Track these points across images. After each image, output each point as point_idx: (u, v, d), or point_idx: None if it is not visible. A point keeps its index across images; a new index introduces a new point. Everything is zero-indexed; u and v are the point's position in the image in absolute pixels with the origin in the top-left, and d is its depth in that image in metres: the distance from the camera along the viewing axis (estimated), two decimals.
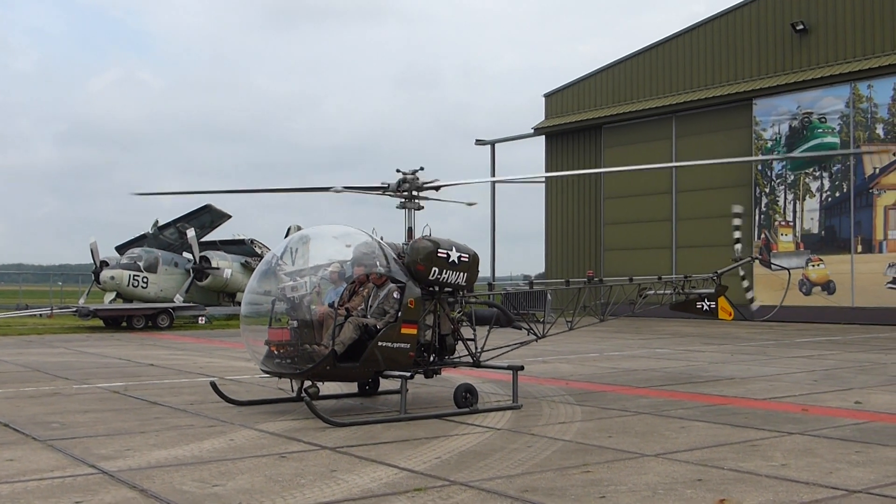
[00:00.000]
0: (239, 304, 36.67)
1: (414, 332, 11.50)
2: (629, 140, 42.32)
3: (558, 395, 13.17)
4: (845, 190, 34.75)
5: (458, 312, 12.42)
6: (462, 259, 12.03)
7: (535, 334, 14.09)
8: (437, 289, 11.92)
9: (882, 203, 33.69)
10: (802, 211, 36.10)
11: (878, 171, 33.85)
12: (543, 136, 46.91)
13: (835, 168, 35.10)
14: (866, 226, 34.10)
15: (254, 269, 37.91)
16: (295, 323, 11.25)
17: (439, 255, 11.78)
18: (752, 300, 17.93)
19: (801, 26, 35.92)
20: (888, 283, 33.23)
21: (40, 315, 38.38)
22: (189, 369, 17.50)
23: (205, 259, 35.34)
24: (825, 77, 35.07)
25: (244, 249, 37.36)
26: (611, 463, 8.23)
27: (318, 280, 11.89)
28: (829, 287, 34.91)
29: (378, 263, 11.70)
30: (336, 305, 11.37)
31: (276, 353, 11.38)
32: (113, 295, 34.71)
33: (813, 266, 35.45)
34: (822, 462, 8.22)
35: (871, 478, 7.56)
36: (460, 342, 12.58)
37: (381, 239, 12.06)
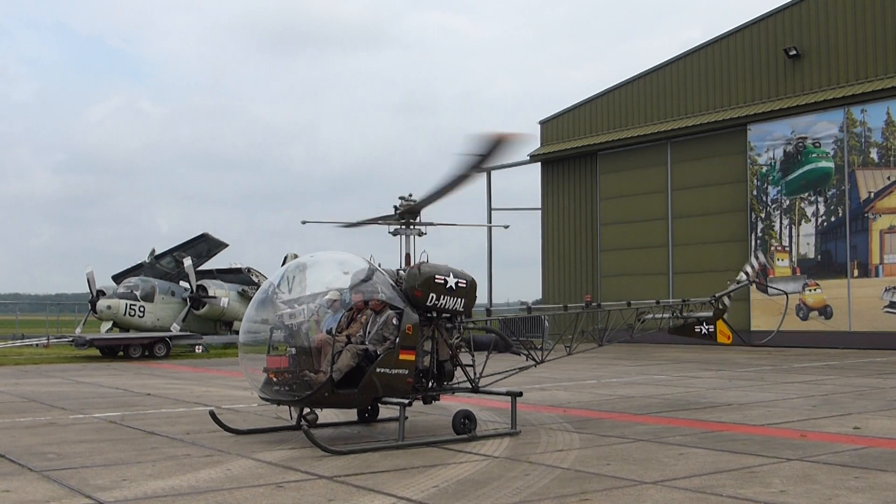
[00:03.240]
0: (236, 332, 36.69)
1: (412, 358, 11.50)
2: (625, 166, 42.44)
3: (556, 423, 13.13)
4: (841, 214, 34.83)
5: (457, 338, 12.42)
6: (459, 285, 12.05)
7: (533, 360, 14.06)
8: (434, 314, 11.94)
9: (877, 227, 33.76)
10: (798, 236, 36.16)
11: (873, 195, 33.95)
12: (539, 163, 47.02)
13: (830, 193, 35.20)
14: (862, 250, 34.15)
15: (251, 298, 37.88)
16: (293, 350, 11.25)
17: (437, 280, 11.79)
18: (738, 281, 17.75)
19: (794, 52, 36.13)
20: (885, 307, 33.24)
21: (36, 345, 38.30)
22: (186, 398, 17.44)
23: (202, 288, 35.32)
24: (819, 102, 35.24)
25: (241, 278, 37.36)
26: (609, 491, 8.20)
27: (316, 307, 11.89)
28: (826, 312, 34.91)
29: (377, 290, 11.71)
30: (334, 332, 11.37)
31: (274, 380, 11.38)
32: (110, 324, 34.67)
33: (810, 291, 35.47)
34: (822, 488, 8.20)
35: None
36: (459, 368, 12.57)
37: (379, 265, 12.08)
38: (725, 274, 37.65)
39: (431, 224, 12.96)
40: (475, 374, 12.84)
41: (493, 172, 50.00)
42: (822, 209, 35.52)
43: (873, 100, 33.83)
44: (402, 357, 11.36)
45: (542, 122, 46.79)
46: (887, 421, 13.00)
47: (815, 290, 35.37)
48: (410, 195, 12.73)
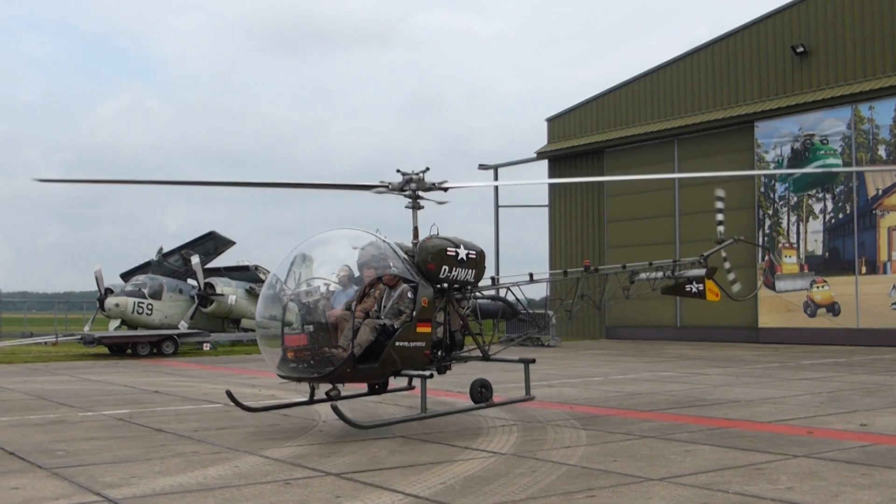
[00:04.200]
0: (244, 330, 36.85)
1: (428, 330, 11.74)
2: (631, 163, 42.40)
3: (563, 420, 13.15)
4: (848, 211, 34.77)
5: (467, 308, 12.64)
6: (470, 256, 12.28)
7: (536, 326, 14.62)
8: (446, 286, 12.07)
9: (886, 224, 33.70)
10: (806, 233, 36.11)
11: (881, 192, 33.89)
12: (546, 161, 47.03)
13: (838, 189, 35.15)
14: (870, 247, 34.09)
15: (258, 296, 37.91)
16: (311, 327, 11.31)
17: (448, 253, 11.99)
18: (734, 281, 18.23)
19: (801, 49, 36.07)
20: (893, 304, 33.18)
21: (45, 343, 38.43)
22: (194, 396, 17.49)
23: (209, 285, 35.40)
24: (826, 99, 35.18)
25: (249, 276, 37.43)
26: (616, 487, 8.22)
27: (330, 283, 11.95)
28: (833, 308, 34.86)
29: (390, 264, 11.82)
30: (353, 308, 11.44)
31: (293, 357, 11.42)
32: (118, 322, 34.77)
33: (817, 288, 35.43)
34: (828, 485, 8.21)
35: (877, 500, 7.55)
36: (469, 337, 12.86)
37: (385, 239, 12.16)
38: (734, 270, 37.70)
39: (441, 188, 12.88)
40: (484, 342, 13.06)
41: (500, 170, 50.06)
42: (829, 206, 35.47)
43: (881, 97, 33.75)
44: (419, 330, 11.58)
45: (549, 120, 46.79)
46: (894, 418, 12.99)
47: (822, 286, 35.32)
48: (420, 172, 12.76)
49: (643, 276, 16.72)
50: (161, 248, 37.35)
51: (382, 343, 11.33)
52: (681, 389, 17.68)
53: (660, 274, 17.04)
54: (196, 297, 35.33)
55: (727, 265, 18.32)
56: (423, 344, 11.65)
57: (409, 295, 11.60)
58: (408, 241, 12.61)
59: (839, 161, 34.98)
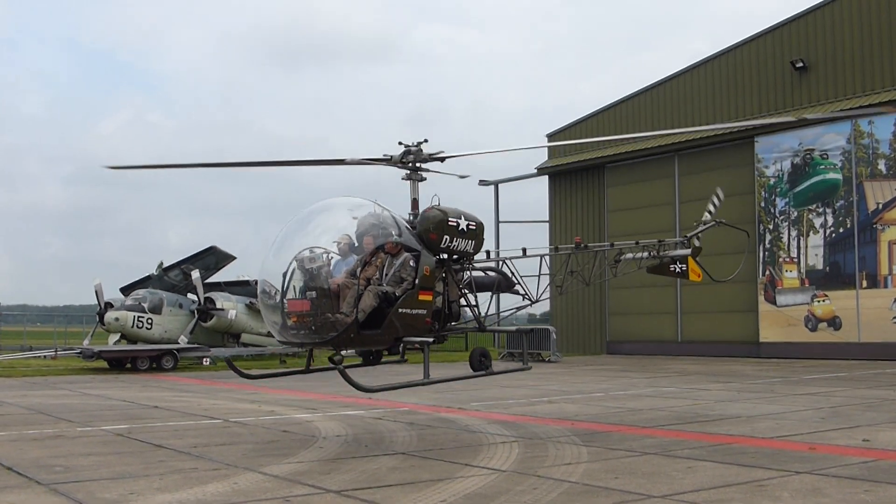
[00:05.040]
0: (244, 345, 36.81)
1: (430, 298, 11.85)
2: (632, 179, 42.45)
3: (564, 436, 13.10)
4: (849, 225, 34.76)
5: (464, 280, 12.78)
6: (470, 227, 12.48)
7: (529, 299, 14.54)
8: (446, 256, 12.15)
9: (886, 238, 33.68)
10: (807, 247, 36.09)
11: (881, 206, 33.88)
12: (547, 176, 47.06)
13: (838, 204, 35.14)
14: (871, 261, 34.06)
15: (259, 311, 37.61)
16: (314, 293, 11.29)
17: (450, 223, 12.18)
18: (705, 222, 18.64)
19: (800, 64, 36.14)
20: (894, 318, 33.12)
21: (44, 357, 38.36)
22: (193, 411, 17.44)
23: (209, 300, 35.37)
24: (826, 114, 35.21)
25: (249, 290, 37.37)
26: None
27: (331, 252, 11.89)
28: (835, 323, 34.81)
29: (392, 233, 11.88)
30: (358, 274, 11.46)
31: (296, 323, 11.40)
32: (117, 336, 34.72)
33: (818, 302, 35.38)
34: (831, 502, 8.16)
35: None
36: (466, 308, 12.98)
37: (387, 208, 12.21)
38: (734, 285, 37.73)
39: (438, 158, 12.94)
40: (480, 313, 13.17)
41: (500, 186, 50.07)
42: (830, 220, 35.46)
43: (881, 111, 33.76)
44: (421, 298, 11.69)
45: (550, 136, 46.83)
46: None
47: (823, 301, 35.27)
48: (419, 143, 12.81)
49: (629, 255, 17.13)
50: (161, 263, 37.37)
51: (384, 310, 11.39)
52: (682, 405, 17.63)
53: (645, 254, 17.46)
54: (196, 312, 35.29)
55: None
56: (425, 312, 11.75)
57: (412, 263, 11.71)
58: (405, 214, 12.66)
59: (839, 176, 34.99)
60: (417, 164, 12.80)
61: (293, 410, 17.25)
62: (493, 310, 13.79)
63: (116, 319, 33.85)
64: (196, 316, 35.21)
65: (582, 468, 10.22)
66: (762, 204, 37.31)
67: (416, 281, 11.61)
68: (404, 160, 12.77)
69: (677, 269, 17.79)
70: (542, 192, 48.01)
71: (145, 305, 34.65)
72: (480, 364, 12.20)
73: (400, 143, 12.87)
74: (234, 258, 37.58)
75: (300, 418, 15.82)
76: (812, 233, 35.93)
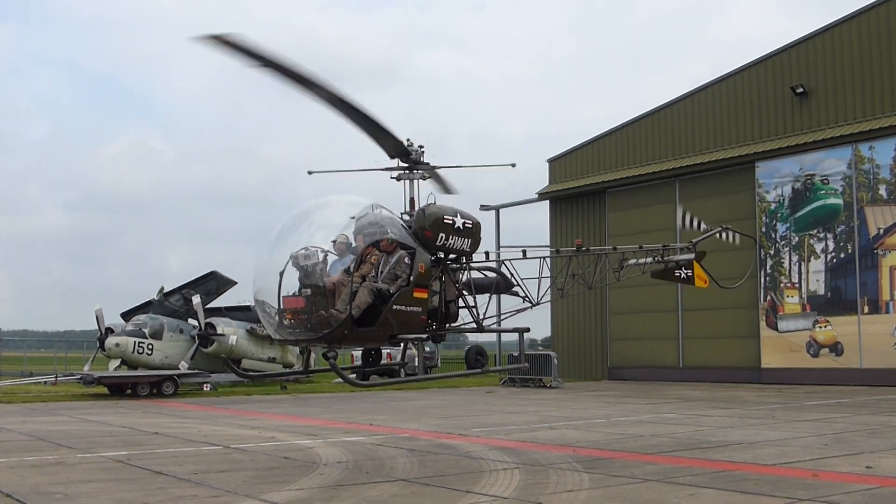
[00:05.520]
0: (245, 370, 36.72)
1: (425, 296, 11.86)
2: (633, 204, 42.49)
3: (565, 463, 13.04)
4: (850, 251, 34.74)
5: (462, 280, 12.76)
6: (466, 225, 12.49)
7: (530, 301, 14.52)
8: (443, 255, 12.15)
9: (887, 263, 33.66)
10: (808, 272, 36.06)
11: (882, 231, 33.88)
12: (548, 201, 47.11)
13: (839, 229, 35.15)
14: (872, 286, 34.02)
15: (260, 336, 37.64)
16: (309, 290, 11.29)
17: (446, 221, 12.20)
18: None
19: (800, 89, 36.24)
20: None
21: (44, 383, 38.26)
22: (193, 438, 17.38)
23: (210, 325, 35.30)
24: (826, 139, 35.28)
25: (250, 316, 37.26)
26: None
27: (327, 249, 11.91)
28: (836, 349, 34.72)
29: (387, 230, 11.88)
30: (351, 271, 11.47)
31: (291, 320, 11.40)
32: (118, 362, 34.61)
33: (820, 328, 35.31)
34: None
35: None
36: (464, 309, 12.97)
37: (383, 206, 12.23)
38: (736, 311, 37.72)
39: (435, 167, 12.97)
40: (478, 314, 13.12)
41: (501, 210, 50.13)
42: (831, 246, 35.45)
43: (881, 136, 33.85)
44: (416, 295, 11.69)
45: (551, 161, 46.93)
46: None
47: (825, 326, 35.20)
48: (413, 142, 12.86)
49: (632, 260, 17.06)
50: (162, 288, 37.32)
51: (380, 307, 11.40)
52: (684, 431, 17.56)
53: (650, 258, 17.39)
54: (197, 338, 35.22)
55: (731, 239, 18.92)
56: (420, 309, 11.74)
57: (407, 260, 11.74)
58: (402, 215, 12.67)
59: (840, 201, 35.03)
60: (416, 162, 12.81)
61: (294, 436, 17.20)
62: (493, 311, 13.71)
63: (117, 345, 33.78)
64: (197, 341, 35.14)
65: (584, 495, 10.17)
66: (763, 229, 37.32)
67: (411, 278, 11.62)
68: (404, 158, 12.75)
69: (682, 275, 17.65)
70: (542, 217, 48.06)
71: (146, 331, 34.60)
72: (476, 362, 12.30)
73: (407, 140, 12.88)
74: (236, 283, 37.54)
75: (301, 444, 15.76)
76: (813, 258, 35.91)
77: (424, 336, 11.92)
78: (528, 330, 13.16)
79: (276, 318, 11.61)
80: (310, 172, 14.53)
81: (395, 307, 11.42)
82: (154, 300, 37.24)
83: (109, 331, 34.63)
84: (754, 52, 40.84)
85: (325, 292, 11.27)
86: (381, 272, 11.71)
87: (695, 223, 19.36)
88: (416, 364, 11.78)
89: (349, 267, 11.61)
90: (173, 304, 37.05)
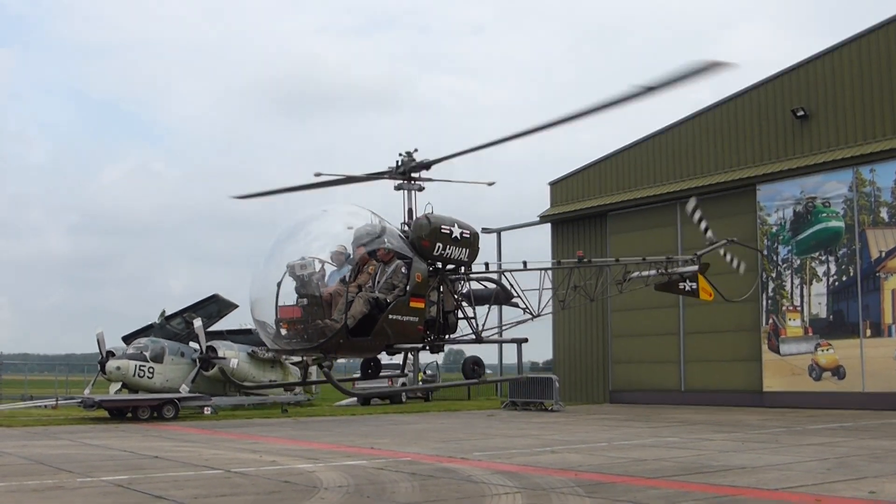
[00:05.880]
0: (246, 394, 36.69)
1: (422, 306, 11.82)
2: (634, 227, 42.48)
3: (567, 487, 12.98)
4: (852, 274, 34.71)
5: (460, 290, 12.71)
6: (464, 235, 12.46)
7: (530, 313, 14.39)
8: (440, 265, 12.11)
9: (890, 286, 33.61)
10: (810, 295, 36.01)
11: (884, 254, 33.85)
12: (549, 224, 47.13)
13: (841, 252, 35.14)
14: (874, 310, 33.95)
15: (261, 359, 37.58)
16: (305, 300, 11.26)
17: (443, 230, 12.18)
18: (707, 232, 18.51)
19: (801, 112, 36.31)
20: None
21: (45, 406, 38.19)
22: (194, 461, 17.32)
23: (211, 349, 35.26)
24: (827, 162, 35.30)
25: (251, 339, 37.24)
26: None
27: (324, 260, 11.89)
28: (839, 372, 34.62)
29: (384, 240, 11.87)
30: (347, 280, 11.43)
31: (287, 330, 11.37)
32: (119, 385, 34.56)
33: (822, 351, 35.22)
34: None
35: None
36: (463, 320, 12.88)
37: (380, 216, 12.21)
38: (738, 334, 37.65)
39: (431, 180, 12.95)
40: (477, 325, 13.04)
41: (503, 234, 50.17)
42: (833, 269, 35.42)
43: (882, 159, 33.87)
44: (412, 305, 11.66)
45: (552, 184, 46.99)
46: None
47: (827, 350, 35.11)
48: (413, 151, 12.84)
49: (635, 273, 16.98)
50: (164, 311, 37.33)
51: (376, 317, 11.35)
52: (686, 455, 17.49)
53: (653, 271, 17.30)
54: (198, 361, 35.17)
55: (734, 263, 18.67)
56: (417, 319, 11.70)
57: (403, 270, 11.71)
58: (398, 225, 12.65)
59: (841, 224, 35.03)
60: (412, 174, 12.81)
61: (295, 460, 17.14)
62: (492, 323, 13.59)
63: (118, 368, 33.75)
64: (198, 365, 35.10)
65: None
66: (765, 252, 37.30)
67: (408, 288, 11.60)
68: (398, 169, 12.77)
69: (687, 288, 17.51)
70: (544, 240, 48.07)
71: (147, 354, 34.57)
72: (473, 372, 12.24)
73: (401, 154, 12.89)
74: (237, 306, 37.49)
75: (301, 468, 15.71)
76: (815, 281, 35.87)
77: (420, 346, 11.87)
78: (525, 341, 13.14)
79: (272, 327, 11.56)
80: (317, 174, 14.39)
81: (391, 317, 11.39)
82: (155, 323, 37.24)
83: (110, 354, 34.61)
84: (755, 76, 41.05)
85: (320, 302, 11.24)
86: (378, 282, 11.69)
87: (701, 225, 19.19)
88: (416, 375, 11.73)
89: (344, 276, 11.59)
90: (175, 327, 37.04)
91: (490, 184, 13.88)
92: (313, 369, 31.63)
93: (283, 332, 11.45)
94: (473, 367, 12.38)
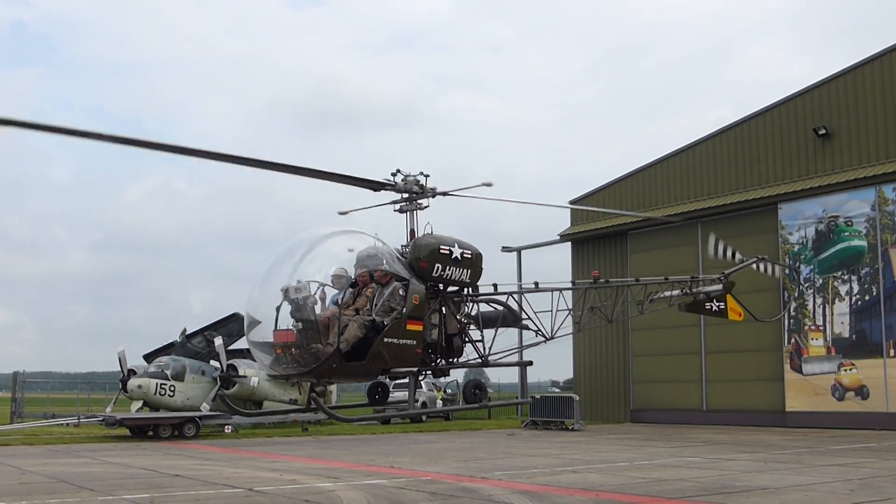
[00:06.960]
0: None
1: (420, 328, 11.54)
2: (655, 245, 42.36)
3: None
4: (875, 293, 34.47)
5: (464, 312, 12.50)
6: (465, 255, 12.19)
7: (543, 336, 14.16)
8: (441, 287, 11.94)
9: None
10: (832, 315, 35.77)
11: None
12: (569, 243, 47.07)
13: (864, 271, 34.91)
14: None
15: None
16: (300, 325, 11.12)
17: (441, 251, 11.93)
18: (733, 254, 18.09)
19: (823, 131, 36.18)
20: None
21: (67, 424, 38.36)
22: (215, 480, 17.35)
23: (232, 367, 35.34)
24: (849, 181, 35.14)
25: None
26: None
27: (322, 282, 11.76)
28: (862, 392, 34.33)
29: (381, 262, 11.72)
30: (341, 305, 11.32)
31: (282, 355, 11.23)
32: (140, 403, 34.69)
33: (845, 371, 34.95)
34: None
35: None
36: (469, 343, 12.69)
37: (379, 237, 12.13)
38: (760, 353, 37.42)
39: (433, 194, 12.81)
40: (485, 348, 12.85)
41: (522, 252, 50.11)
42: (855, 288, 35.19)
43: None
44: (409, 327, 11.41)
45: (572, 202, 46.95)
46: None
47: (850, 370, 34.84)
48: (419, 174, 12.74)
49: (659, 294, 16.59)
50: (185, 330, 37.44)
51: (372, 341, 11.16)
52: (708, 475, 17.37)
53: (677, 291, 16.91)
54: (218, 379, 35.24)
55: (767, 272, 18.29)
56: (415, 342, 11.44)
57: (401, 292, 11.51)
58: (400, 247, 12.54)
59: (864, 243, 34.82)
60: (414, 196, 12.68)
61: (315, 479, 17.14)
62: (504, 345, 13.35)
63: (139, 387, 33.88)
64: (219, 383, 35.17)
65: None
66: (787, 271, 37.09)
67: (405, 310, 11.38)
68: (405, 189, 12.60)
69: (715, 308, 16.99)
70: (564, 259, 48.01)
71: (168, 373, 34.70)
72: (474, 396, 12.06)
73: (398, 172, 12.62)
74: (258, 324, 37.59)
75: (322, 487, 15.71)
76: (838, 300, 35.64)
77: (415, 369, 11.66)
78: (530, 363, 12.99)
79: (268, 352, 11.46)
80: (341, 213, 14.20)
81: (385, 340, 11.16)
82: (176, 342, 37.36)
83: (132, 372, 34.74)
84: (776, 94, 41.05)
85: (313, 326, 11.08)
86: (376, 305, 11.54)
87: (728, 253, 18.70)
88: (412, 401, 11.53)
89: (337, 299, 11.51)
90: (195, 345, 37.15)
91: (488, 184, 13.72)
92: (333, 387, 31.62)
93: (279, 356, 11.31)
94: (474, 392, 12.19)
